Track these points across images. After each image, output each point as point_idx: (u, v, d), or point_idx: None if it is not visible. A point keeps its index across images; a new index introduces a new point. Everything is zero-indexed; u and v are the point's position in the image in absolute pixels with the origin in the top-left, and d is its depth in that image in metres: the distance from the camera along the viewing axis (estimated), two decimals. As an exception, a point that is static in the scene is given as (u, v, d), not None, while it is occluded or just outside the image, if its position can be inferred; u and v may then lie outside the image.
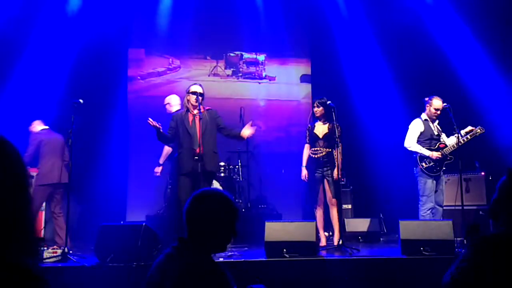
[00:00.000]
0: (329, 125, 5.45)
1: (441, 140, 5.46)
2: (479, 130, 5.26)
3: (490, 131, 5.83)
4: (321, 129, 5.49)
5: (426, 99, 5.50)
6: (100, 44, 6.99)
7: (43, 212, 6.13)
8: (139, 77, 7.77)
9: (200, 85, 5.05)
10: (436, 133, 5.45)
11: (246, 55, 8.08)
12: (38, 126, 5.77)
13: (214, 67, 8.00)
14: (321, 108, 5.45)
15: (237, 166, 6.85)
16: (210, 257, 1.86)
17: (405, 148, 5.45)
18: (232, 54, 8.06)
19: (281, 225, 4.71)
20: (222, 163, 6.40)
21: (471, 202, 6.03)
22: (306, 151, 5.56)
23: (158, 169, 6.04)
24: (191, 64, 7.93)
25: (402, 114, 6.49)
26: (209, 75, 7.93)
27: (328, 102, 5.32)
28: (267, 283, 2.52)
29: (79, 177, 5.82)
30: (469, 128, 5.31)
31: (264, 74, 8.11)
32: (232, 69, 8.05)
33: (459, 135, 5.20)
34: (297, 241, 4.44)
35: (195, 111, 4.86)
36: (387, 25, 7.42)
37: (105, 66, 7.25)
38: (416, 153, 5.37)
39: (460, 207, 4.97)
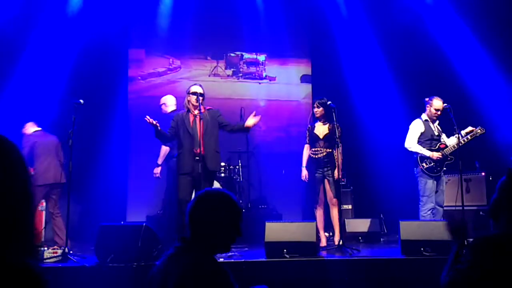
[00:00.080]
0: (329, 125, 5.45)
1: (442, 140, 5.45)
2: (479, 131, 5.26)
3: (491, 132, 5.83)
4: (321, 129, 5.49)
5: (427, 99, 5.50)
6: (100, 45, 6.99)
7: (43, 212, 6.13)
8: (139, 78, 7.77)
9: (200, 85, 5.06)
10: (436, 133, 5.44)
11: (246, 55, 8.08)
12: (31, 128, 5.74)
13: (215, 67, 8.00)
14: (321, 108, 5.45)
15: (237, 166, 6.85)
16: (213, 258, 1.85)
17: (405, 149, 5.44)
18: (232, 54, 8.06)
19: (281, 225, 4.72)
20: (222, 163, 6.40)
21: (472, 203, 6.03)
22: (306, 152, 5.55)
23: (157, 170, 6.05)
24: (192, 64, 7.93)
25: (403, 114, 6.49)
26: (209, 75, 7.93)
27: (329, 102, 5.31)
28: (267, 284, 2.52)
29: (80, 177, 5.82)
30: (469, 128, 5.31)
31: (264, 74, 8.11)
32: (232, 69, 8.05)
33: (460, 135, 5.20)
34: (297, 241, 4.43)
35: (196, 112, 4.86)
36: (387, 25, 7.42)
37: (106, 67, 7.24)
38: (416, 153, 5.36)
39: (461, 208, 4.97)
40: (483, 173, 6.20)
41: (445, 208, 5.43)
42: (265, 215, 6.32)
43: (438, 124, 5.52)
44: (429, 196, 5.26)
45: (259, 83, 8.10)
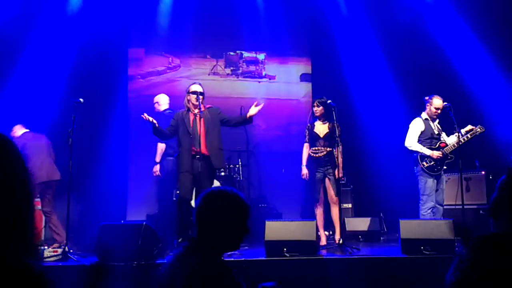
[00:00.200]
0: (329, 124, 5.45)
1: (442, 139, 5.45)
2: (479, 129, 5.26)
3: (491, 130, 5.83)
4: (321, 128, 5.48)
5: (427, 98, 5.49)
6: (100, 44, 6.99)
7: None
8: (139, 76, 7.76)
9: (200, 84, 5.06)
10: (436, 132, 5.44)
11: (246, 54, 8.08)
12: (19, 130, 5.72)
13: (214, 66, 7.99)
14: (321, 107, 5.45)
15: (237, 165, 6.85)
16: (220, 258, 1.84)
17: (405, 148, 5.44)
18: (232, 53, 8.06)
19: (281, 224, 4.72)
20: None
21: (472, 201, 6.03)
22: (306, 150, 5.55)
23: (156, 168, 6.04)
24: (191, 63, 7.92)
25: (403, 113, 6.49)
26: (209, 74, 7.92)
27: (329, 101, 5.31)
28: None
29: (80, 176, 5.82)
30: (469, 127, 5.31)
31: (264, 73, 8.10)
32: (232, 68, 8.04)
33: (460, 134, 5.20)
34: (297, 240, 4.44)
35: (196, 111, 4.86)
36: (388, 24, 7.41)
37: (105, 66, 7.24)
38: (416, 152, 5.36)
39: (461, 206, 4.98)
40: (483, 172, 6.20)
41: (445, 207, 5.44)
42: (265, 214, 6.33)
43: (438, 123, 5.52)
44: (429, 195, 5.26)
45: (259, 82, 8.09)
